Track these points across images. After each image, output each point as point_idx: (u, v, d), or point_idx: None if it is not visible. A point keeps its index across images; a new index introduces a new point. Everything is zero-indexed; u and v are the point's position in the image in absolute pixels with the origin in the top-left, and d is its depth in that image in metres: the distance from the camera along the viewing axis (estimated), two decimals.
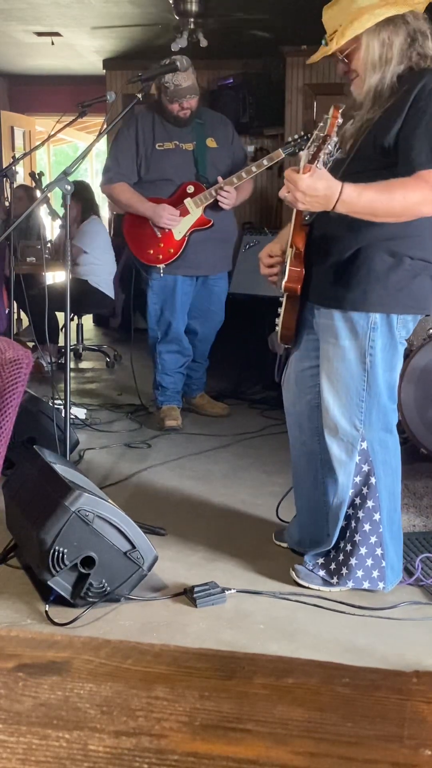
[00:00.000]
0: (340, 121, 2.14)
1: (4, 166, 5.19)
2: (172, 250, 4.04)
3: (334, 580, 2.48)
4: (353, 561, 2.44)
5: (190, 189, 4.01)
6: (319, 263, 2.37)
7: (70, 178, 2.85)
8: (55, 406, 3.57)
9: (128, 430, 4.23)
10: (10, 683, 0.61)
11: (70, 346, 4.49)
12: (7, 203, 5.80)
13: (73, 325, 5.99)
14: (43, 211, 5.56)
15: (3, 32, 7.17)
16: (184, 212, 4.01)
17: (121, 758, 0.53)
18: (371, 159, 2.25)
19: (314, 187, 2.06)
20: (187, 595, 2.44)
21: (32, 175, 4.49)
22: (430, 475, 3.50)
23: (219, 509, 3.21)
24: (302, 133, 3.90)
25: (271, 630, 2.30)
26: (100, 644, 0.66)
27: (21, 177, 8.04)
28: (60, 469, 2.54)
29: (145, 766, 0.52)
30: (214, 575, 2.57)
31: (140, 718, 0.57)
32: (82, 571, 2.30)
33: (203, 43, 5.55)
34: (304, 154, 2.14)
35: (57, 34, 7.15)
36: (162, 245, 4.04)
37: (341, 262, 2.32)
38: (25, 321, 6.12)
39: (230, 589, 2.47)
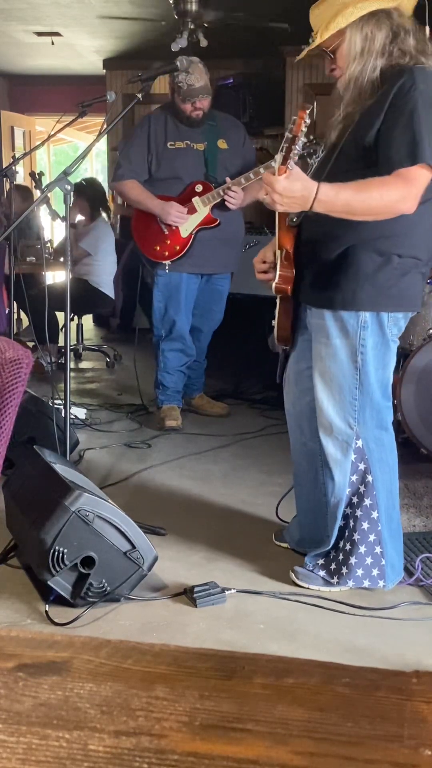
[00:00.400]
0: (308, 121, 2.16)
1: (4, 166, 5.19)
2: (178, 247, 4.08)
3: (335, 580, 2.48)
4: (353, 560, 2.44)
5: (199, 188, 4.06)
6: (309, 264, 2.39)
7: (71, 178, 2.85)
8: (55, 406, 3.56)
9: (128, 430, 4.23)
10: (10, 683, 0.61)
11: (70, 346, 4.49)
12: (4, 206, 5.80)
13: (73, 325, 5.99)
14: (42, 211, 5.56)
15: (3, 32, 7.17)
16: (192, 210, 4.05)
17: (121, 758, 0.53)
18: (354, 158, 2.27)
19: (291, 188, 2.10)
20: (187, 595, 2.44)
21: (32, 175, 4.49)
22: (430, 475, 3.50)
23: (219, 509, 3.21)
24: (311, 137, 3.92)
25: (271, 630, 2.30)
26: (100, 644, 0.66)
27: (21, 177, 8.04)
28: (60, 469, 2.54)
29: (145, 766, 0.52)
30: (214, 575, 2.57)
31: (140, 718, 0.57)
32: (82, 571, 2.30)
33: (203, 43, 5.56)
34: (278, 157, 2.16)
35: (57, 34, 7.16)
36: (168, 242, 4.09)
37: (330, 261, 2.33)
38: (25, 321, 6.12)
39: (230, 589, 2.47)
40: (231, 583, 2.53)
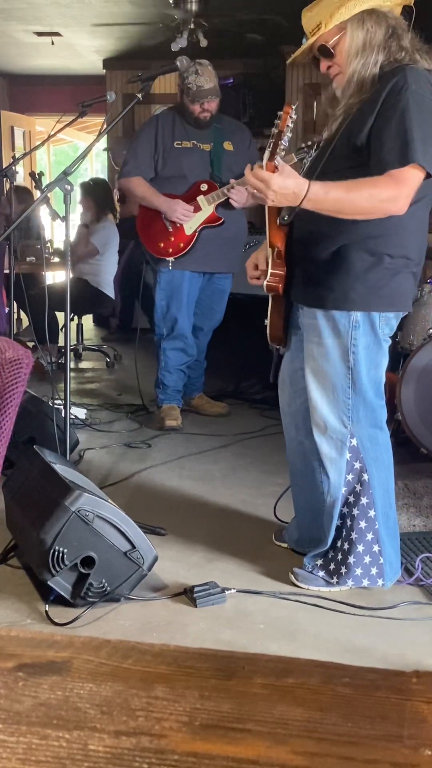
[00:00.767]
0: (294, 116, 2.17)
1: (4, 166, 5.19)
2: (182, 245, 4.11)
3: (334, 580, 2.48)
4: (351, 559, 2.45)
5: (204, 187, 4.09)
6: (301, 263, 2.40)
7: (71, 178, 2.85)
8: (55, 406, 3.56)
9: (128, 430, 4.23)
10: (10, 683, 0.61)
11: (70, 346, 4.49)
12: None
13: (73, 325, 5.99)
14: (43, 211, 5.56)
15: (3, 32, 7.17)
16: (197, 208, 4.09)
17: (121, 758, 0.53)
18: (347, 158, 2.28)
19: (285, 185, 2.12)
20: (187, 595, 2.44)
21: (32, 175, 4.49)
22: (430, 475, 3.50)
23: (219, 509, 3.21)
24: (315, 140, 3.93)
25: (271, 630, 2.30)
26: (100, 644, 0.66)
27: (21, 177, 8.04)
28: (60, 469, 2.53)
29: (145, 766, 0.52)
30: (214, 575, 2.56)
31: (140, 718, 0.57)
32: (82, 571, 2.30)
33: (203, 43, 5.56)
34: (266, 153, 2.17)
35: (57, 34, 7.16)
36: (173, 239, 4.11)
37: (321, 261, 2.34)
38: (25, 321, 6.12)
39: (230, 589, 2.47)
40: (231, 583, 2.53)
